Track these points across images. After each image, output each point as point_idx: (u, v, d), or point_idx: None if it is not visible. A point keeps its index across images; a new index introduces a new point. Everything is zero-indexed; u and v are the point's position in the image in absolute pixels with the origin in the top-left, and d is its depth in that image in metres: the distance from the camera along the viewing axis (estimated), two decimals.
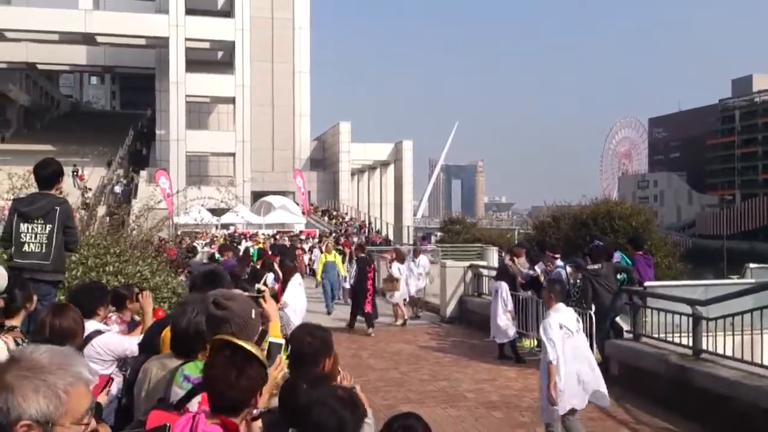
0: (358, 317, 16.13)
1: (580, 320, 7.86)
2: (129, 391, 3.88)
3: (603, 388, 7.49)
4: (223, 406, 2.42)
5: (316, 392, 3.13)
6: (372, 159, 67.69)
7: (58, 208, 6.38)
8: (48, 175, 6.53)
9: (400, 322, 16.84)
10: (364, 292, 15.90)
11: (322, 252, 22.46)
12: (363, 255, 16.82)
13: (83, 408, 1.93)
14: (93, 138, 46.69)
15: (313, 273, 27.40)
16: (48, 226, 6.33)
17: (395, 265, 17.34)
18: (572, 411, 7.27)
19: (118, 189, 44.43)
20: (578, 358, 7.37)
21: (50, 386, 1.87)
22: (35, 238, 6.31)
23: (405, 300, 17.60)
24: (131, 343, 5.18)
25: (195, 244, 22.95)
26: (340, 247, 24.68)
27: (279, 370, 3.02)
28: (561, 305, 7.56)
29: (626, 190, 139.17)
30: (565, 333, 7.28)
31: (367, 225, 51.80)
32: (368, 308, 15.78)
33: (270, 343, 3.07)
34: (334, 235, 39.84)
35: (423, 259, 19.52)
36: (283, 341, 3.16)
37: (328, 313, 18.74)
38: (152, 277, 8.50)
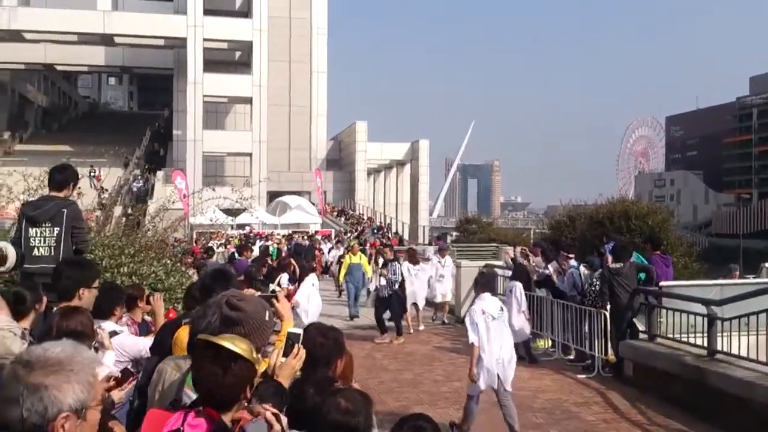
0: (389, 323, 15.19)
1: (504, 308, 8.98)
2: (141, 393, 3.92)
3: (513, 371, 8.49)
4: (213, 404, 2.46)
5: (322, 400, 3.17)
6: (388, 158, 67.65)
7: (65, 210, 6.39)
8: (61, 179, 6.57)
9: (411, 330, 15.74)
10: (402, 300, 15.16)
11: (346, 252, 21.48)
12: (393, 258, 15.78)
13: (102, 390, 2.11)
14: (110, 138, 46.92)
15: (328, 274, 27.40)
16: (56, 229, 6.34)
17: (405, 265, 16.05)
18: (499, 386, 8.24)
19: (135, 186, 44.67)
20: (499, 340, 8.32)
21: (78, 374, 1.97)
22: (44, 241, 6.32)
23: (416, 305, 16.44)
24: (146, 345, 5.22)
25: (210, 244, 23.05)
26: (364, 248, 24.43)
27: (298, 358, 3.07)
28: (486, 294, 8.58)
29: (643, 188, 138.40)
30: (487, 318, 8.33)
31: (386, 226, 51.27)
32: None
33: (288, 332, 3.13)
34: (349, 234, 39.88)
35: (449, 259, 18.22)
36: (301, 331, 3.20)
37: (351, 317, 17.94)
38: (167, 278, 8.55)
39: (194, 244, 21.74)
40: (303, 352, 3.10)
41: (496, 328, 8.35)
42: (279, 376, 2.96)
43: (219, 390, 2.44)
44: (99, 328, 5.08)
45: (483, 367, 8.10)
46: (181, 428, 2.41)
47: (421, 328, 16.12)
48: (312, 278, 12.82)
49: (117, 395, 3.79)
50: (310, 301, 12.09)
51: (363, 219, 51.71)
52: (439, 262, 17.55)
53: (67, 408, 1.92)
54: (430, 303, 17.61)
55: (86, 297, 4.93)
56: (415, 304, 16.34)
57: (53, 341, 2.10)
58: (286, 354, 3.05)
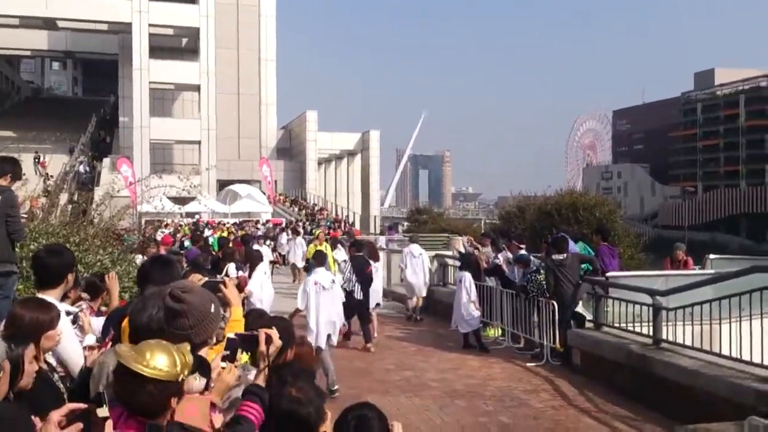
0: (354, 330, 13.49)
1: (336, 280, 11.11)
2: (82, 380, 3.79)
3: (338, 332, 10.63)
4: (134, 412, 2.39)
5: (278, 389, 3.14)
6: (339, 148, 67.54)
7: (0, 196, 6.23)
8: None
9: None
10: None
11: (307, 242, 20.61)
12: (360, 253, 13.58)
13: None
14: (55, 124, 45.98)
15: (285, 264, 26.87)
16: None
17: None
18: (329, 341, 10.11)
19: (82, 169, 43.80)
20: (328, 307, 10.29)
21: None
22: None
23: (378, 305, 14.53)
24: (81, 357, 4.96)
25: (159, 233, 22.70)
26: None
27: (231, 375, 2.96)
28: (320, 269, 10.62)
29: (590, 181, 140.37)
30: (318, 288, 10.30)
31: (344, 218, 50.08)
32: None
33: (228, 338, 3.02)
34: (305, 222, 39.63)
35: (416, 248, 16.76)
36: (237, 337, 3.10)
37: None
38: (113, 266, 8.39)
39: (165, 233, 21.29)
40: (236, 371, 3.03)
41: (327, 296, 10.36)
42: (212, 391, 2.84)
43: (138, 406, 2.37)
44: (81, 313, 4.96)
45: (312, 329, 9.94)
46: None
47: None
48: (264, 266, 12.70)
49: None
50: (263, 289, 11.98)
51: (316, 209, 51.34)
52: (411, 252, 16.57)
53: None
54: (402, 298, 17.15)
55: (71, 281, 4.89)
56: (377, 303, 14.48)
57: None
58: (226, 358, 2.96)
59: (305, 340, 5.33)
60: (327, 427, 3.26)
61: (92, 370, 3.28)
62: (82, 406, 2.39)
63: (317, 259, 11.00)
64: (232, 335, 3.06)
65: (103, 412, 2.22)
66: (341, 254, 16.93)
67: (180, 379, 2.41)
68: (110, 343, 3.89)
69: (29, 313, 3.69)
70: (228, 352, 2.97)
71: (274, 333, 3.18)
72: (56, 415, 2.25)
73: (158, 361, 2.34)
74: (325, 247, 17.23)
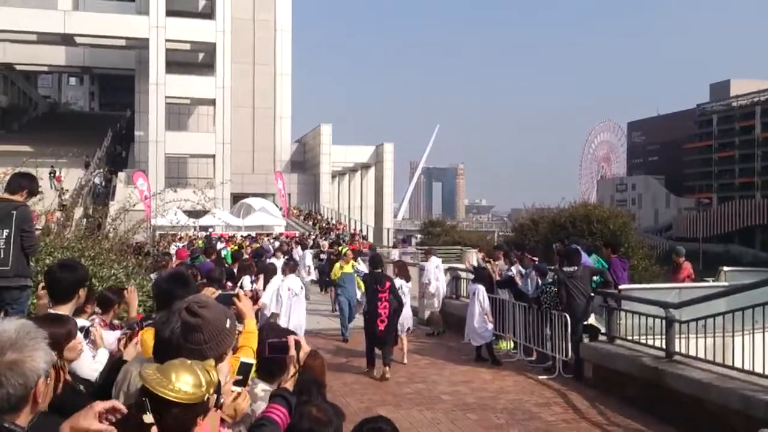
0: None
1: (304, 287, 13.23)
2: (101, 389, 3.86)
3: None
4: None
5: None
6: (353, 161, 67.61)
7: (14, 212, 6.31)
8: (15, 184, 6.52)
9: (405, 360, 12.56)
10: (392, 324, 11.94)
11: (335, 260, 18.61)
12: (378, 270, 12.36)
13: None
14: (71, 139, 46.25)
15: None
16: (5, 230, 6.26)
17: (397, 281, 12.96)
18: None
19: (98, 180, 44.05)
20: (298, 311, 12.16)
21: (39, 342, 2.21)
22: None
23: (408, 329, 13.25)
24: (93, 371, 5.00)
25: (173, 246, 22.81)
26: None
27: (245, 401, 2.96)
28: (291, 276, 12.65)
29: (605, 193, 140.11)
30: (291, 293, 12.05)
31: (360, 231, 49.41)
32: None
33: (241, 362, 3.02)
34: (314, 236, 39.54)
35: (436, 260, 16.67)
36: (254, 361, 3.09)
37: (344, 339, 14.98)
38: (127, 280, 8.45)
39: (179, 247, 21.35)
40: (248, 399, 3.04)
41: (297, 301, 12.15)
42: (224, 410, 2.81)
43: (165, 429, 2.33)
44: (93, 328, 5.03)
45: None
46: None
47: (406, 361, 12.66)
48: (289, 281, 12.67)
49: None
50: (281, 304, 12.11)
51: (331, 223, 51.05)
52: (437, 266, 16.63)
53: (43, 373, 2.17)
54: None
55: (83, 296, 4.94)
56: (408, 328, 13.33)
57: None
58: (239, 383, 2.96)
59: (317, 353, 5.38)
60: None
61: (118, 366, 3.35)
62: (124, 409, 2.38)
63: (291, 268, 13.21)
64: (245, 359, 3.06)
65: (148, 418, 2.23)
66: (363, 266, 16.56)
67: (206, 399, 2.38)
68: (139, 334, 3.95)
69: (46, 329, 3.75)
70: (241, 377, 2.94)
71: (301, 339, 3.25)
72: (99, 406, 2.27)
73: (183, 383, 2.31)
74: (353, 266, 16.12)
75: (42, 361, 2.17)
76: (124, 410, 2.31)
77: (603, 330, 11.28)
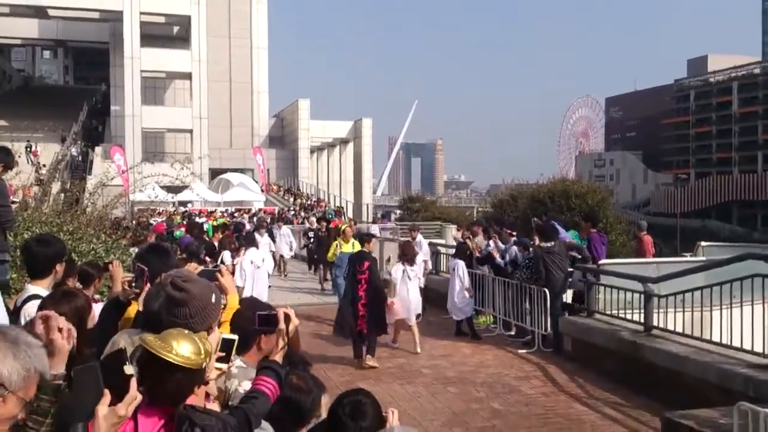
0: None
1: (265, 259, 13.32)
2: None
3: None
4: (158, 401, 2.38)
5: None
6: (331, 137, 67.35)
7: None
8: None
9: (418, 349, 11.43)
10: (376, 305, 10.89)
11: (334, 237, 17.71)
12: (365, 249, 11.48)
13: (31, 395, 1.97)
14: (46, 113, 45.77)
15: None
16: None
17: (398, 267, 12.09)
18: None
19: (75, 151, 43.60)
20: (260, 283, 12.50)
21: (24, 359, 1.92)
22: None
23: (418, 316, 12.23)
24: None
25: (152, 221, 22.65)
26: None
27: (222, 376, 2.98)
28: (252, 249, 12.84)
29: (583, 168, 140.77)
30: (254, 266, 12.47)
31: (344, 208, 47.83)
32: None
33: (223, 338, 2.97)
34: (294, 211, 39.42)
35: (421, 238, 15.71)
36: (236, 337, 3.05)
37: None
38: (106, 255, 8.38)
39: (158, 221, 21.22)
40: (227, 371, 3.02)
41: (259, 273, 12.56)
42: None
43: (165, 395, 2.36)
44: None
45: None
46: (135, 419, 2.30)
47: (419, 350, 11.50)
48: (251, 254, 12.70)
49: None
50: (246, 278, 12.14)
51: (313, 199, 50.75)
52: (420, 242, 15.54)
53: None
54: None
55: (60, 271, 4.87)
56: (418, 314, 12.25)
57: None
58: (222, 360, 2.90)
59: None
60: (322, 412, 3.32)
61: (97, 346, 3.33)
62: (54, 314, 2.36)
63: (249, 241, 13.22)
64: (227, 335, 3.01)
65: (129, 369, 2.21)
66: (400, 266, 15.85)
67: (203, 367, 2.43)
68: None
69: (69, 304, 3.77)
70: (224, 354, 2.88)
71: (290, 311, 3.23)
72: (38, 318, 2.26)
73: (184, 349, 2.35)
74: (352, 245, 14.56)
75: (4, 367, 1.88)
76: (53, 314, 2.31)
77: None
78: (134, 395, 2.14)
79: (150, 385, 2.34)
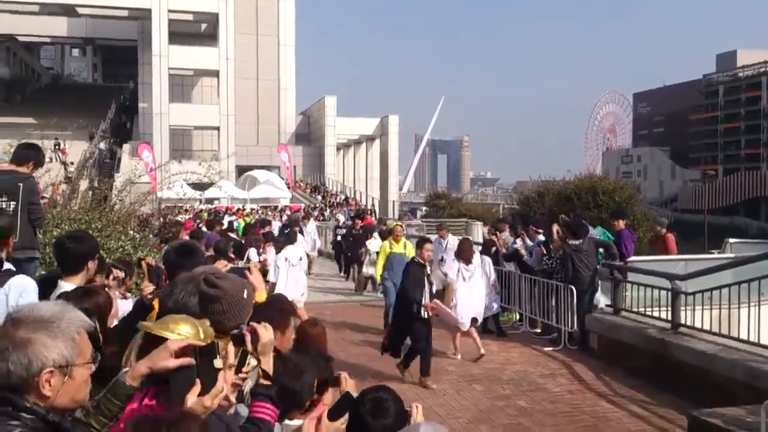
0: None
1: (304, 257, 13.21)
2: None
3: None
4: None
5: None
6: (358, 134, 67.32)
7: (21, 184, 6.28)
8: (21, 155, 6.51)
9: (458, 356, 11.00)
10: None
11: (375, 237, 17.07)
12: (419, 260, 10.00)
13: (90, 349, 2.13)
14: (75, 111, 46.14)
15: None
16: (12, 203, 6.23)
17: (455, 265, 11.29)
18: None
19: (103, 146, 43.99)
20: (295, 281, 12.09)
21: (64, 332, 2.04)
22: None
23: (475, 320, 11.29)
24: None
25: (179, 218, 22.83)
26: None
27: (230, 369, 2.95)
28: (290, 247, 12.45)
29: (610, 164, 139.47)
30: (288, 264, 12.05)
31: (372, 207, 46.46)
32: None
33: (232, 336, 2.95)
34: (320, 208, 39.44)
35: (453, 239, 14.74)
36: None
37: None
38: (135, 252, 8.49)
39: (186, 218, 21.35)
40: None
41: (295, 271, 12.17)
42: None
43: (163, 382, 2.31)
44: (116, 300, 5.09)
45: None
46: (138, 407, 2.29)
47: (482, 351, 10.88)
48: (287, 252, 12.62)
49: None
50: (281, 275, 12.13)
51: (342, 197, 50.30)
52: (439, 244, 14.63)
53: (51, 363, 1.99)
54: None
55: (92, 268, 4.95)
56: (474, 319, 11.24)
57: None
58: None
59: (317, 321, 5.40)
60: (328, 399, 3.32)
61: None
62: (199, 343, 2.38)
63: (288, 239, 12.94)
64: (236, 332, 2.97)
65: (218, 363, 2.26)
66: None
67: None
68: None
69: (91, 300, 3.86)
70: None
71: (260, 328, 2.86)
72: (174, 345, 2.24)
73: (183, 329, 2.38)
74: (404, 245, 13.80)
75: (53, 352, 1.99)
76: (199, 343, 2.32)
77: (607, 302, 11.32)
78: (221, 388, 2.22)
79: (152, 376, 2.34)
